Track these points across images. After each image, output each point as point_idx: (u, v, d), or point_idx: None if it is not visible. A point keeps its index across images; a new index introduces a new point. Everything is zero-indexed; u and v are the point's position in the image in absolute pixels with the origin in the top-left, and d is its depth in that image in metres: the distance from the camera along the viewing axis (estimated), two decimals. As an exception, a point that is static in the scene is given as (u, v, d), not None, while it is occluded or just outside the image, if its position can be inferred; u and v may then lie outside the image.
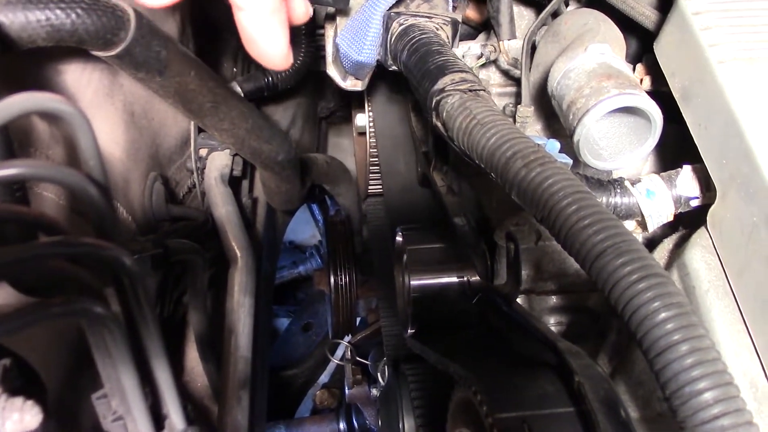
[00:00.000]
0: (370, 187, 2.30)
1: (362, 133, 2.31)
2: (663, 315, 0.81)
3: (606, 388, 0.89)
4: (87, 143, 0.73)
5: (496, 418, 0.89)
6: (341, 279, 2.33)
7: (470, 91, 1.17)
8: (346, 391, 2.44)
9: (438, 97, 1.18)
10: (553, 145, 1.26)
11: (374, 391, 2.32)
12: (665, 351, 0.80)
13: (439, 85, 1.19)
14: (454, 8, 1.58)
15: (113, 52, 1.25)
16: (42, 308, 0.65)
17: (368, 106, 2.19)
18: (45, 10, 1.12)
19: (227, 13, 1.09)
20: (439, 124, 1.20)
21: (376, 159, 2.21)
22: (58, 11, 1.14)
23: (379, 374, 2.13)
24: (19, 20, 1.11)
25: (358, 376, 2.35)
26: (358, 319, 2.52)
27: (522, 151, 1.01)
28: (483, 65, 1.75)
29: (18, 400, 0.81)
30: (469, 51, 1.80)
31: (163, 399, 0.89)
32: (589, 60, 1.21)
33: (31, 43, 1.14)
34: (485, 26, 1.90)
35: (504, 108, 1.73)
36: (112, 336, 0.75)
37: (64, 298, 0.67)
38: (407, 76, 1.40)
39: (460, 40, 1.69)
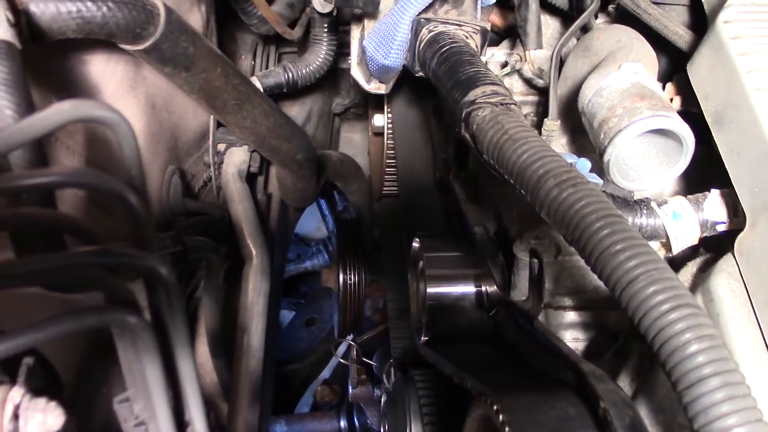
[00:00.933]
0: (384, 188, 2.29)
1: (379, 134, 2.30)
2: (694, 347, 0.81)
3: (631, 415, 0.88)
4: (130, 151, 0.72)
5: (519, 440, 0.88)
6: (350, 278, 2.32)
7: (502, 104, 1.16)
8: (350, 390, 2.44)
9: (468, 109, 1.17)
10: (584, 165, 1.25)
11: (378, 392, 2.32)
12: (696, 384, 0.79)
13: (470, 96, 1.18)
14: (480, 13, 1.57)
15: (142, 47, 1.24)
16: (76, 316, 0.64)
17: (387, 107, 2.18)
18: (76, 2, 1.11)
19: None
20: (467, 136, 1.19)
21: (393, 160, 2.20)
22: (89, 3, 1.13)
23: (384, 376, 2.12)
24: (50, 11, 1.10)
25: (363, 376, 2.34)
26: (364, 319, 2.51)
27: (554, 170, 1.00)
28: (508, 74, 1.74)
29: (41, 401, 0.80)
30: (493, 58, 1.78)
31: (187, 405, 0.88)
32: (623, 79, 1.20)
33: (61, 35, 1.13)
34: (509, 32, 1.89)
35: (525, 117, 1.72)
36: (143, 342, 0.75)
37: (97, 305, 0.66)
38: (436, 85, 1.39)
39: (484, 46, 1.68)
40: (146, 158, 1.56)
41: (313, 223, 4.11)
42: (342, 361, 2.59)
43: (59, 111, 0.64)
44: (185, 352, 0.83)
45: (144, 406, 0.84)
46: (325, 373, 3.29)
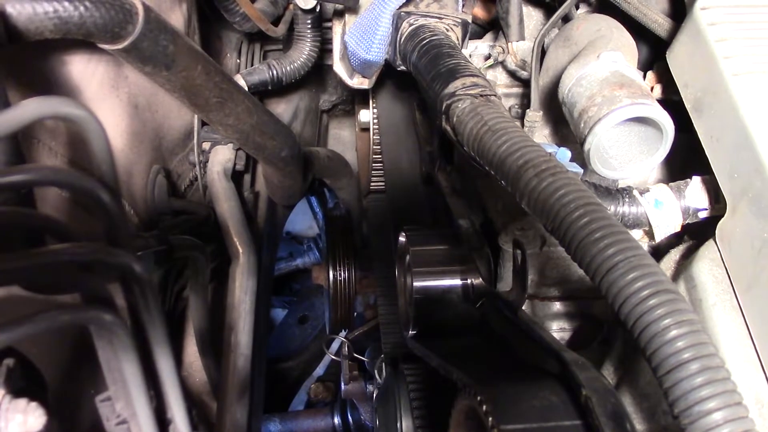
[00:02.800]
0: (372, 184, 2.29)
1: (365, 129, 2.30)
2: (674, 332, 0.81)
3: (613, 402, 0.89)
4: (100, 147, 0.72)
5: (502, 429, 0.89)
6: (340, 274, 2.32)
7: (481, 96, 1.16)
8: (342, 386, 2.44)
9: (449, 101, 1.17)
10: (564, 154, 1.25)
11: (370, 388, 2.32)
12: (675, 369, 0.80)
13: (450, 88, 1.18)
14: (463, 5, 1.57)
15: (120, 46, 1.23)
16: (53, 315, 0.64)
17: (372, 102, 2.18)
18: (53, 2, 1.11)
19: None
20: (448, 128, 1.19)
21: (379, 156, 2.20)
22: (66, 3, 1.12)
23: (375, 371, 2.12)
24: (27, 12, 1.09)
25: (354, 372, 2.34)
26: (356, 315, 2.51)
27: (533, 160, 1.00)
28: (491, 66, 1.74)
29: (22, 402, 0.80)
30: (476, 51, 1.78)
31: (168, 403, 0.88)
32: (602, 68, 1.20)
33: (39, 36, 1.12)
34: (493, 25, 1.89)
35: (510, 109, 1.72)
36: (120, 340, 0.75)
37: (73, 303, 0.66)
38: (417, 78, 1.39)
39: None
40: (130, 158, 1.56)
41: (305, 221, 4.10)
42: (334, 357, 2.59)
43: (25, 108, 0.64)
44: (164, 350, 0.83)
45: (125, 405, 0.83)
46: (319, 371, 3.29)
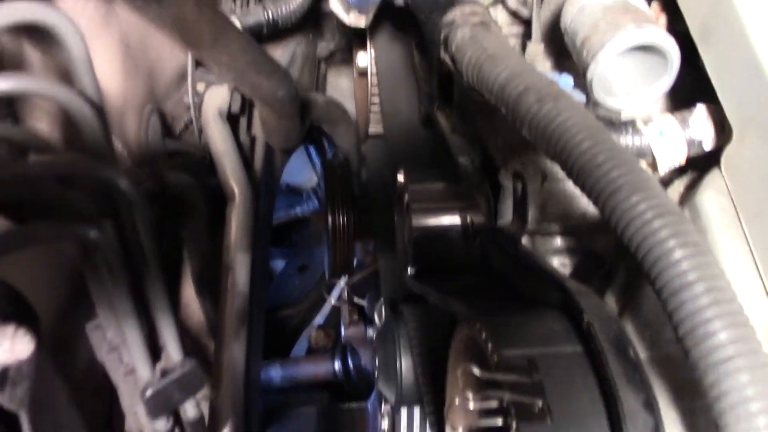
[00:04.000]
0: (370, 128, 2.25)
1: (363, 74, 2.26)
2: (678, 254, 0.79)
3: (615, 328, 0.87)
4: (79, 57, 0.69)
5: (502, 355, 0.87)
6: (339, 220, 2.30)
7: (481, 23, 1.13)
8: (342, 331, 2.44)
9: (447, 30, 1.14)
10: (567, 81, 1.22)
11: (371, 332, 2.32)
12: (679, 291, 0.78)
13: (449, 17, 1.15)
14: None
15: (109, -25, 1.20)
16: (32, 231, 0.62)
17: (370, 44, 2.14)
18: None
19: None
20: (447, 58, 1.16)
21: (378, 100, 2.16)
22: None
23: (376, 315, 2.12)
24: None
25: (354, 317, 2.34)
26: (355, 262, 2.50)
27: (534, 86, 0.98)
28: (491, 4, 1.69)
29: (9, 328, 0.79)
30: (476, -13, 1.74)
31: (160, 330, 0.86)
32: (606, -6, 1.16)
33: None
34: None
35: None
36: (107, 263, 0.73)
37: (55, 221, 0.64)
38: (414, 11, 1.35)
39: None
40: (122, 98, 1.53)
41: (304, 173, 4.08)
42: (334, 302, 2.59)
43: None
44: (154, 275, 0.81)
45: (115, 332, 0.82)
46: (319, 319, 3.29)
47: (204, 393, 1.64)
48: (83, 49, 0.69)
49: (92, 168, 0.65)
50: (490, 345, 0.89)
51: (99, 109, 0.68)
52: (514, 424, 0.83)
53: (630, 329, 1.10)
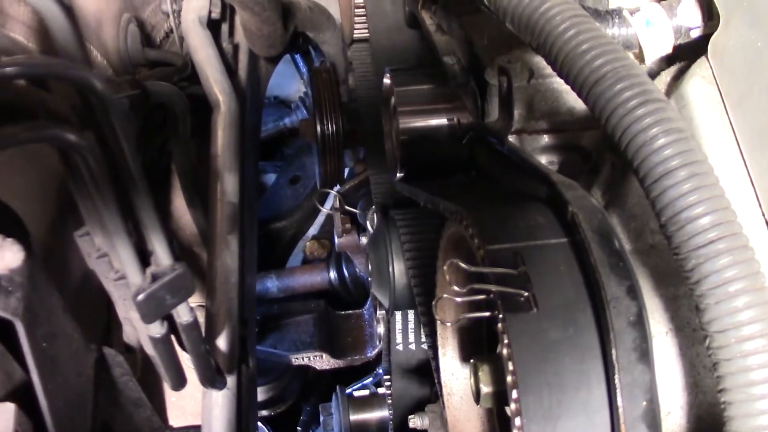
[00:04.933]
0: (355, 32, 2.20)
1: (346, -25, 2.19)
2: (661, 141, 0.79)
3: (600, 218, 0.88)
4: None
5: (488, 249, 0.88)
6: (328, 128, 2.27)
7: None
8: (336, 240, 2.45)
9: None
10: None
11: (363, 240, 2.33)
12: (663, 177, 0.78)
13: None
14: None
15: None
16: (8, 133, 0.61)
17: (354, -57, 2.07)
18: None
19: None
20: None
21: (362, 2, 2.10)
22: None
23: (368, 222, 2.13)
24: None
25: (347, 225, 2.35)
26: (346, 170, 2.49)
27: (517, -25, 0.95)
28: None
29: (-2, 238, 0.78)
30: None
31: (148, 235, 0.87)
32: None
33: None
34: None
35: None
36: (89, 168, 0.72)
37: (32, 122, 0.63)
38: None
39: None
40: (97, 5, 1.48)
41: (293, 85, 4.03)
42: (326, 211, 2.60)
43: None
44: (138, 180, 0.80)
45: (103, 238, 0.82)
46: (313, 230, 3.31)
47: (200, 302, 1.67)
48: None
49: (64, 66, 0.64)
50: (476, 240, 0.90)
51: (69, 9, 0.65)
52: (500, 316, 0.84)
53: (616, 222, 1.10)
